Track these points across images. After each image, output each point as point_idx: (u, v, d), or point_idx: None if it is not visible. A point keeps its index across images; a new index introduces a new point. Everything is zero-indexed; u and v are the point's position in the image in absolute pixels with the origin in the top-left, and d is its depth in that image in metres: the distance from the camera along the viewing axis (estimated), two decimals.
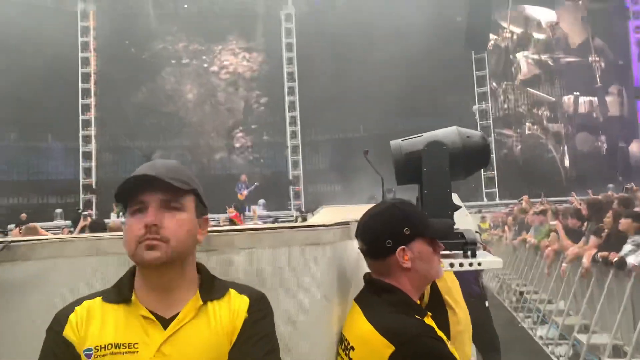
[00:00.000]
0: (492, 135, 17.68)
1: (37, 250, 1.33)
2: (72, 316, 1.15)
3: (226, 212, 11.61)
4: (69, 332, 1.13)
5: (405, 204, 1.51)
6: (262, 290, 1.27)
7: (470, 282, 4.65)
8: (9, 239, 1.37)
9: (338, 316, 1.49)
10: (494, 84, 18.51)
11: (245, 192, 15.67)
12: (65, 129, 17.70)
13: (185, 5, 19.06)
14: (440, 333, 1.35)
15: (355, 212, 1.71)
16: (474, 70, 18.16)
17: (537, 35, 18.93)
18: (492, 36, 17.95)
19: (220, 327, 1.17)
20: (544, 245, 7.57)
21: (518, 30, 18.95)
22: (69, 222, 13.18)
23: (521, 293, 8.42)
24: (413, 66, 16.71)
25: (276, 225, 1.50)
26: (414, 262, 1.42)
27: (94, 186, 17.70)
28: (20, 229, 7.84)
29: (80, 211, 14.37)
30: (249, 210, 15.19)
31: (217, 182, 17.06)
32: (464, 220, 3.02)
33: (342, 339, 1.45)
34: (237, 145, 19.36)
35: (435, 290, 2.44)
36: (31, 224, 4.74)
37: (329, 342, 1.44)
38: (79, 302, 1.19)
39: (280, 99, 19.42)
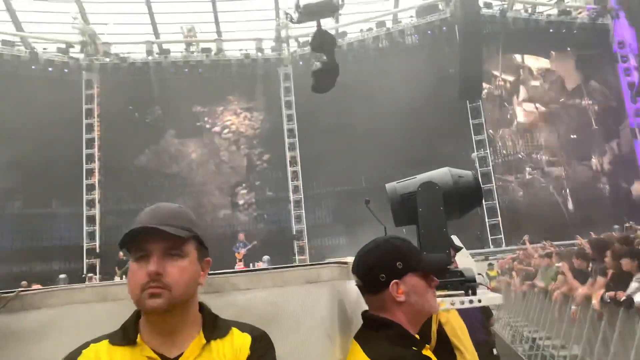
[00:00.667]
0: (493, 181, 17.77)
1: (48, 299, 1.38)
2: (79, 359, 1.19)
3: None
4: None
5: (398, 239, 1.55)
6: (264, 329, 1.31)
7: (476, 328, 4.54)
8: (18, 289, 1.42)
9: (340, 354, 1.51)
10: (491, 131, 18.78)
11: (243, 251, 15.62)
12: (69, 194, 17.88)
13: (186, 70, 19.70)
14: None
15: (350, 260, 1.77)
16: (470, 118, 18.48)
17: (531, 82, 19.41)
18: (485, 85, 18.41)
19: None
20: (552, 288, 7.47)
21: (510, 77, 19.46)
22: None
23: (534, 340, 8.21)
24: (411, 118, 17.04)
25: (275, 266, 1.55)
26: (408, 295, 1.45)
27: (97, 250, 17.66)
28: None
29: (83, 276, 14.29)
30: (254, 267, 15.08)
31: (221, 239, 17.01)
32: (465, 260, 3.06)
33: None
34: (240, 202, 19.45)
35: (441, 334, 2.44)
36: (35, 285, 4.73)
37: None
38: (85, 345, 1.22)
39: (282, 155, 19.71)
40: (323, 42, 8.92)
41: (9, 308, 1.35)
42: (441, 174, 2.09)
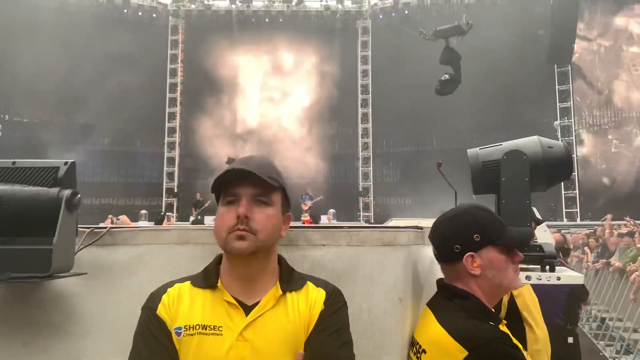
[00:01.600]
0: (575, 152, 16.73)
1: (136, 237, 1.47)
2: (164, 297, 1.26)
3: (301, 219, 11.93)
4: (161, 311, 1.23)
5: (479, 209, 1.47)
6: (337, 286, 1.32)
7: (553, 312, 4.19)
8: (110, 225, 1.52)
9: (411, 319, 1.50)
10: (578, 98, 17.53)
11: (309, 203, 15.93)
12: (152, 135, 18.87)
13: (267, 20, 19.72)
14: (515, 341, 1.32)
15: (425, 223, 1.72)
16: (557, 84, 17.32)
17: (630, 48, 17.72)
18: (577, 49, 17.04)
19: (297, 317, 1.23)
20: (630, 269, 7.05)
21: (607, 42, 17.86)
22: (152, 223, 13.99)
23: (603, 320, 7.87)
24: (492, 79, 16.23)
25: (353, 224, 1.54)
26: (483, 269, 1.39)
27: (175, 190, 18.66)
28: (112, 220, 8.51)
29: (162, 213, 15.20)
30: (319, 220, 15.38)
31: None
32: (544, 235, 2.91)
33: (413, 343, 1.46)
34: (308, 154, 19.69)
35: (512, 305, 2.38)
36: (122, 216, 5.15)
37: (401, 344, 1.45)
38: (170, 284, 1.29)
39: (354, 111, 19.56)
40: (451, 58, 10.37)
41: (101, 242, 1.45)
42: (530, 142, 1.96)
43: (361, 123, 19.45)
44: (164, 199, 18.66)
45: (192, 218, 14.64)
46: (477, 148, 2.04)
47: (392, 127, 18.67)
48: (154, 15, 19.46)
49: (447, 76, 10.40)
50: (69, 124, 17.76)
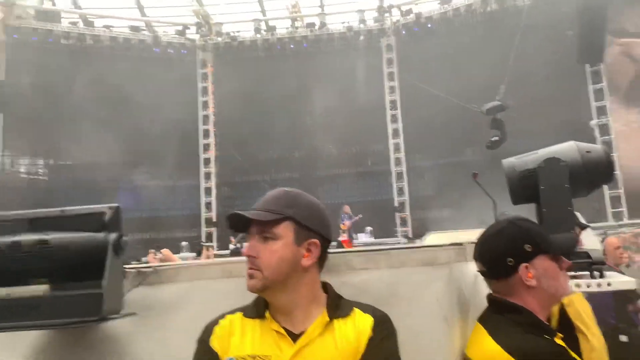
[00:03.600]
0: (614, 150, 16.16)
1: (180, 274, 1.51)
2: (217, 328, 1.29)
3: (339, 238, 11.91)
4: (214, 342, 1.27)
5: (522, 220, 1.46)
6: (381, 309, 1.31)
7: (605, 311, 4.11)
8: (156, 264, 1.56)
9: (459, 337, 1.47)
10: (614, 97, 16.98)
11: (347, 223, 15.82)
12: (188, 167, 19.30)
13: (292, 46, 20.07)
14: (573, 354, 1.28)
15: (463, 236, 1.70)
16: (590, 84, 16.88)
17: None
18: (611, 46, 16.57)
19: (345, 344, 1.23)
20: None
21: None
22: (194, 254, 14.20)
23: None
24: (522, 84, 15.96)
25: (391, 246, 1.54)
26: (538, 279, 1.37)
27: (214, 219, 18.97)
28: (154, 253, 8.69)
29: (202, 244, 15.43)
30: (357, 238, 15.30)
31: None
32: (591, 240, 2.83)
33: None
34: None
35: (564, 315, 2.30)
36: (164, 250, 5.26)
37: None
38: (222, 316, 1.33)
39: (384, 127, 19.55)
40: (498, 125, 13.67)
41: (148, 281, 1.49)
42: (566, 148, 1.92)
43: (392, 138, 19.40)
44: (204, 229, 18.98)
45: (231, 246, 14.77)
46: (513, 157, 2.02)
47: (425, 140, 18.52)
48: (183, 51, 20.09)
49: (496, 138, 13.45)
50: (112, 164, 18.38)
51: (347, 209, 16.16)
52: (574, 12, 15.64)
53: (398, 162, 19.33)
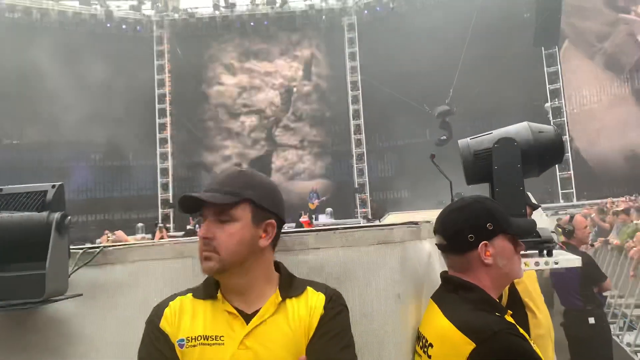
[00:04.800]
0: (567, 133, 16.77)
1: (129, 254, 1.46)
2: (167, 310, 1.26)
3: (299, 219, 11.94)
4: (164, 324, 1.24)
5: (487, 199, 1.50)
6: (336, 288, 1.31)
7: (570, 293, 4.27)
8: (103, 244, 1.51)
9: (413, 314, 1.49)
10: (567, 79, 17.54)
11: (316, 202, 15.86)
12: (144, 147, 18.81)
13: (252, 23, 19.68)
14: (522, 331, 1.32)
15: (422, 216, 1.71)
16: (545, 66, 17.36)
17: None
18: (564, 31, 17.05)
19: (298, 323, 1.23)
20: (628, 246, 7.08)
21: (589, 23, 17.84)
22: (149, 235, 13.93)
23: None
24: (479, 67, 16.27)
25: (346, 225, 1.53)
26: (495, 258, 1.40)
27: (170, 200, 18.63)
28: (107, 235, 8.48)
29: (158, 225, 15.13)
30: (317, 219, 15.36)
31: (284, 190, 17.37)
32: (540, 219, 2.92)
33: (419, 337, 1.45)
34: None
35: (513, 292, 2.38)
36: (117, 231, 5.14)
37: (404, 340, 1.45)
38: (172, 297, 1.30)
39: (345, 108, 19.56)
40: (446, 127, 15.57)
41: (95, 262, 1.44)
42: (519, 129, 1.95)
43: (353, 119, 19.44)
44: (160, 210, 18.62)
45: (188, 227, 14.56)
46: (468, 138, 2.03)
47: (384, 121, 18.68)
48: (138, 27, 19.37)
49: (444, 137, 15.33)
50: (58, 143, 17.68)
51: (315, 187, 16.18)
52: None
53: (358, 143, 19.43)
